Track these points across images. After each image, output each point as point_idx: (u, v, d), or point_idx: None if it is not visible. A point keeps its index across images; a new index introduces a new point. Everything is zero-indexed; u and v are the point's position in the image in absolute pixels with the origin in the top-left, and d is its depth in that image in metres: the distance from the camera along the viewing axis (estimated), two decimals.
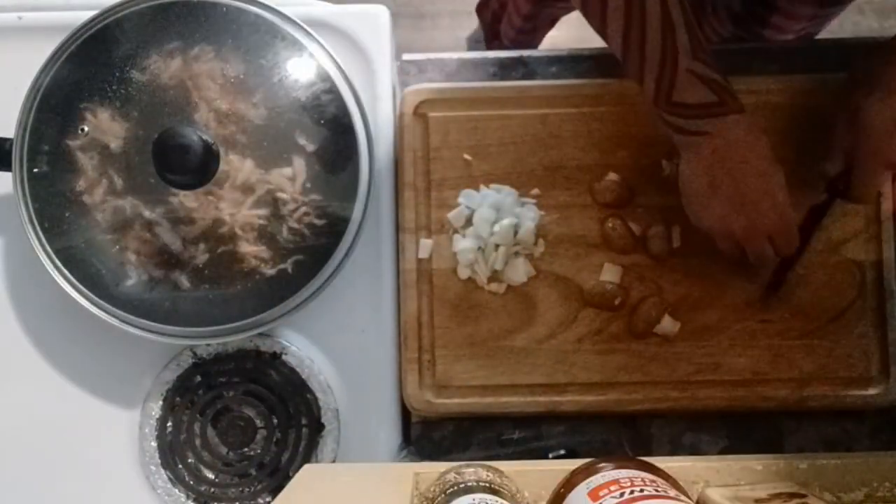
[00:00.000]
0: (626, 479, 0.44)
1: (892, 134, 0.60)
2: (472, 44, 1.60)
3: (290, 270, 0.66)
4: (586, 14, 0.60)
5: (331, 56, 0.67)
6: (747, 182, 0.60)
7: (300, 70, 0.67)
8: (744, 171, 0.59)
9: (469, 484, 0.46)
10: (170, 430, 0.70)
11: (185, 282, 0.65)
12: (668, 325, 0.70)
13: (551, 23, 1.22)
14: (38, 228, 0.65)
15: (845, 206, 0.70)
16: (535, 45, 1.28)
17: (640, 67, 0.58)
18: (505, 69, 0.77)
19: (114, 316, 0.66)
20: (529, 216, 0.71)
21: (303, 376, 0.71)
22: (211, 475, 0.70)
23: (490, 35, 1.36)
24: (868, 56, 0.64)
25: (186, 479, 0.70)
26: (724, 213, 0.61)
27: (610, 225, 0.71)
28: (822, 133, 0.68)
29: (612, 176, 0.72)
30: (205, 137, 0.63)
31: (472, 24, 1.60)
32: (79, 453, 0.72)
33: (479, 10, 1.39)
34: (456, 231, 0.72)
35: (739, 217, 0.60)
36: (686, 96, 0.58)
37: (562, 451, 0.71)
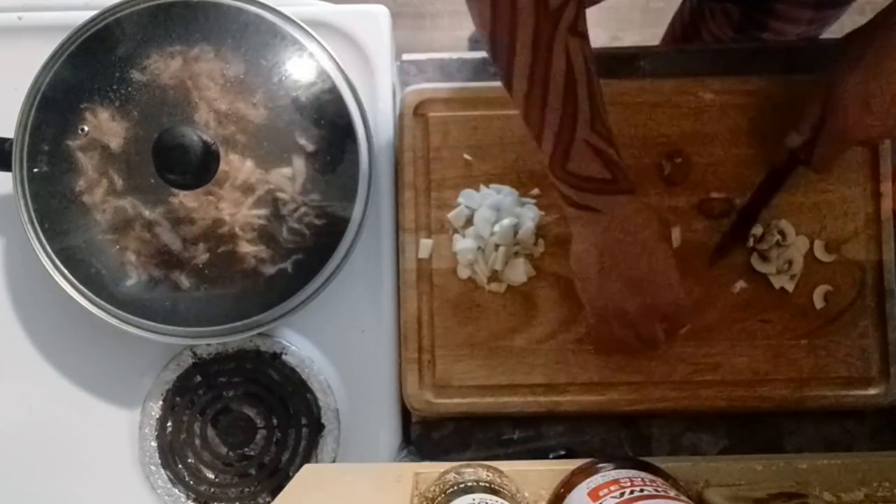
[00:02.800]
0: (626, 479, 0.44)
1: (864, 112, 0.60)
2: (472, 44, 1.60)
3: (290, 270, 0.66)
4: (494, 61, 0.58)
5: (331, 56, 0.67)
6: (640, 262, 0.59)
7: (300, 70, 0.67)
8: (636, 252, 0.59)
9: (469, 484, 0.46)
10: (170, 430, 0.70)
11: (185, 282, 0.65)
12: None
13: None
14: (38, 228, 0.65)
15: (810, 176, 0.70)
16: None
17: (539, 129, 0.57)
18: None
19: (114, 316, 0.66)
20: (529, 216, 0.71)
21: (303, 376, 0.71)
22: (211, 475, 0.70)
23: None
24: (851, 35, 0.64)
25: (186, 479, 0.70)
26: (620, 293, 0.60)
27: None
28: None
29: None
30: (205, 137, 0.63)
31: (472, 23, 1.60)
32: (79, 453, 0.72)
33: None
34: (456, 231, 0.72)
35: (634, 297, 0.60)
36: (579, 167, 0.57)
37: (562, 451, 0.71)
